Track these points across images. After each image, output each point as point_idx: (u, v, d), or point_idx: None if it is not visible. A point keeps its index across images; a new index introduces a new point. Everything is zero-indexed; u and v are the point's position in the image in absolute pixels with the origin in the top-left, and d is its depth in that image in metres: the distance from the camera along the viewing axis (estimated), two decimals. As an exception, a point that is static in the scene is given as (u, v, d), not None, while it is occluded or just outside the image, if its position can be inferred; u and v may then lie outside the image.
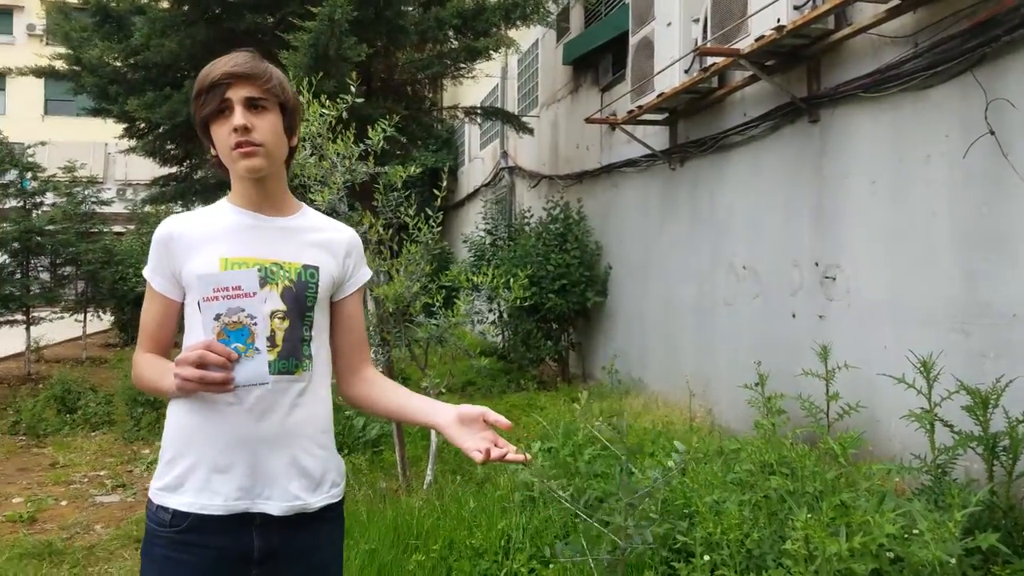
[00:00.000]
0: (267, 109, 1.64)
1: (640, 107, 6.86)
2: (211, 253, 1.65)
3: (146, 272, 1.73)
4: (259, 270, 1.61)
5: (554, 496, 3.83)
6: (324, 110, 4.55)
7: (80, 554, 4.26)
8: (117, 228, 16.76)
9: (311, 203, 4.56)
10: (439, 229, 4.77)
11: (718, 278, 6.41)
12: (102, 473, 6.05)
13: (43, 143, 12.16)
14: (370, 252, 4.70)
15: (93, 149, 25.41)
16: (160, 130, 9.39)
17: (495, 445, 1.55)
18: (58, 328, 13.22)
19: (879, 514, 2.64)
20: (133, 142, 10.44)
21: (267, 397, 1.60)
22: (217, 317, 1.47)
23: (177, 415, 1.66)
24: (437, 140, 15.74)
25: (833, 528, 2.69)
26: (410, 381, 7.86)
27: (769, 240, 5.73)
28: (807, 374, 3.98)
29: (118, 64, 9.04)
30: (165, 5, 8.58)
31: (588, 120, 8.20)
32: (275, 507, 1.63)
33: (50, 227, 11.72)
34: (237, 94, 1.60)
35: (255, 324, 1.48)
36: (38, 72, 9.87)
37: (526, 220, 10.41)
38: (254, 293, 1.48)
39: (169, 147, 9.98)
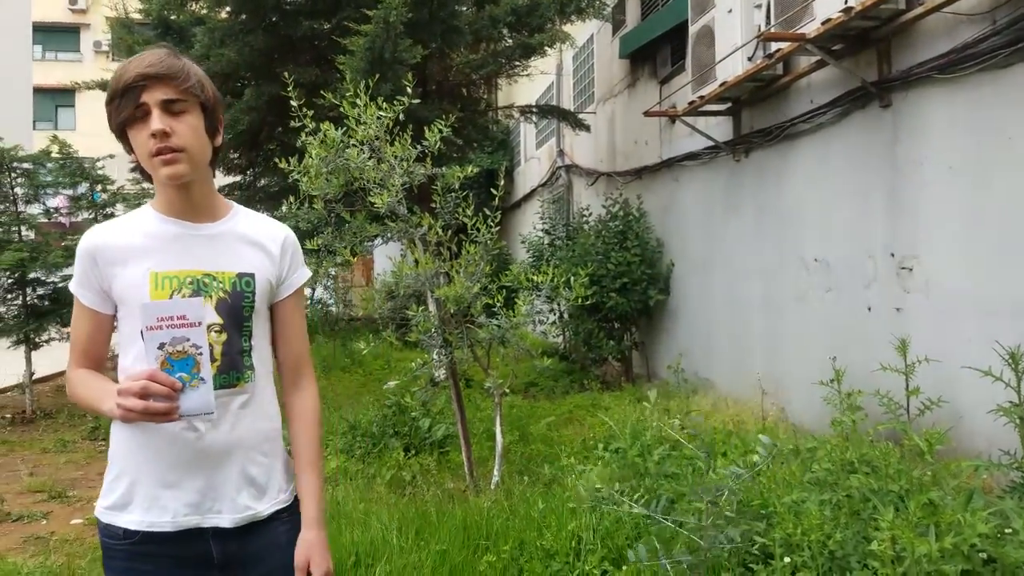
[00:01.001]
0: (186, 111, 1.56)
1: (702, 97, 6.71)
2: (140, 267, 1.59)
3: (72, 287, 1.65)
4: (191, 283, 1.58)
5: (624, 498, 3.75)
6: (381, 112, 4.56)
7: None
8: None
9: (371, 206, 4.60)
10: (497, 230, 4.73)
11: (787, 272, 6.23)
12: (175, 476, 6.17)
13: (111, 156, 12.44)
14: (429, 253, 4.69)
15: (160, 161, 26.13)
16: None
17: None
18: (130, 336, 13.54)
19: (969, 513, 2.51)
20: (197, 152, 10.66)
21: None
22: (161, 346, 1.42)
23: (121, 432, 1.63)
24: (493, 141, 15.74)
25: (921, 528, 2.56)
26: (473, 382, 7.86)
27: (841, 231, 5.53)
28: (885, 369, 3.82)
29: (180, 75, 9.22)
30: (224, 15, 8.74)
31: (647, 113, 8.06)
32: (226, 519, 1.62)
33: (120, 238, 12.01)
34: (153, 96, 1.52)
35: (200, 354, 1.43)
36: (104, 85, 10.14)
37: (584, 218, 10.29)
38: (199, 323, 1.43)
39: (232, 156, 10.17)
